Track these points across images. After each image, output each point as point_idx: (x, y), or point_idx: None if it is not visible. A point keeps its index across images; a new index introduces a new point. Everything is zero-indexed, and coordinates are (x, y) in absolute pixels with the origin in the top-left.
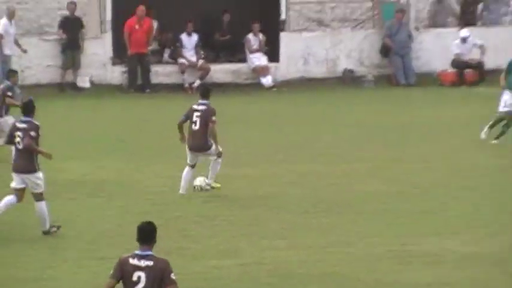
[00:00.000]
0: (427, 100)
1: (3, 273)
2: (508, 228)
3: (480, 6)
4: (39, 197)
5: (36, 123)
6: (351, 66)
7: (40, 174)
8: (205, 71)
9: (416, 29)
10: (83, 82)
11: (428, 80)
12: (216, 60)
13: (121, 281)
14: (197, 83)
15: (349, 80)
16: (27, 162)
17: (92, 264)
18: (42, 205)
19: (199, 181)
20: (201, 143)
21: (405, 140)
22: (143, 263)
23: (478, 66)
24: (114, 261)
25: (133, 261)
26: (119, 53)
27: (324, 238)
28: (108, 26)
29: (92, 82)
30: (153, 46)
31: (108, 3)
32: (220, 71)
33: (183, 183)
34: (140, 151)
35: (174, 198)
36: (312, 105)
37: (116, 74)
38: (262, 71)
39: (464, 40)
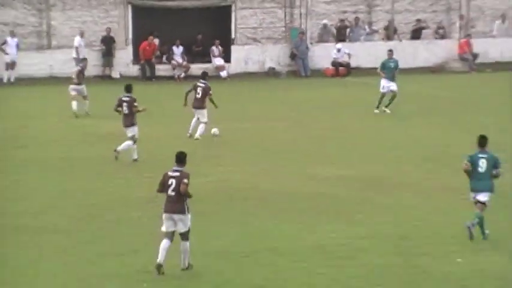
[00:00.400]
0: (317, 85)
1: None
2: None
3: (348, 30)
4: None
5: (134, 97)
6: (273, 65)
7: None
8: (187, 68)
9: (311, 43)
10: (115, 75)
11: (318, 73)
12: (193, 62)
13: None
14: (182, 75)
15: (272, 73)
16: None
17: None
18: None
19: (214, 130)
20: (201, 104)
21: (304, 109)
22: (175, 174)
23: (347, 65)
24: None
25: (170, 173)
26: (136, 58)
27: (265, 164)
28: (129, 42)
29: (120, 75)
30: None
31: (129, 28)
32: (196, 68)
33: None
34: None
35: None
36: (251, 89)
37: (134, 70)
38: (221, 68)
39: (338, 50)
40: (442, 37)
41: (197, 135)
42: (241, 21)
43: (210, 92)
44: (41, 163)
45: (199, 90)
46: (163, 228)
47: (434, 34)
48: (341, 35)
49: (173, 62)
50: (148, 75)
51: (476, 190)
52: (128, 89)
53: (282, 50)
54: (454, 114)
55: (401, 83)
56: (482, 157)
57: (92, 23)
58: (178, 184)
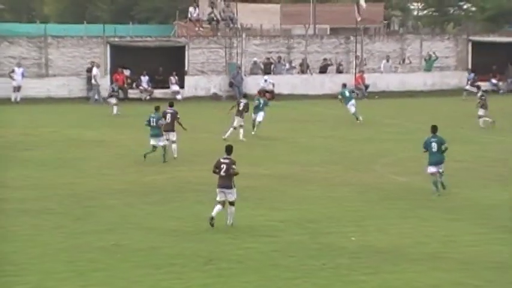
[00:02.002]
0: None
1: None
2: None
3: (272, 65)
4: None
5: (176, 110)
6: (216, 91)
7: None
8: (151, 92)
9: (245, 75)
10: (98, 96)
11: (250, 98)
12: (156, 87)
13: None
14: (147, 97)
15: (215, 97)
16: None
17: None
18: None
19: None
20: (170, 127)
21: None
22: (226, 160)
23: (271, 92)
24: None
25: (222, 160)
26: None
27: (208, 165)
28: (107, 72)
29: (102, 97)
30: (128, 81)
31: (108, 62)
32: (158, 93)
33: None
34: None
35: None
36: (200, 109)
37: None
38: (177, 93)
39: (265, 80)
40: (342, 72)
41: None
42: (192, 57)
43: (178, 116)
44: (41, 161)
45: (168, 116)
46: (218, 198)
47: (336, 69)
48: (267, 69)
49: (140, 87)
50: (121, 97)
51: (432, 164)
52: (171, 104)
53: (222, 80)
54: (350, 127)
55: (312, 106)
56: (433, 140)
57: (79, 58)
58: (228, 167)
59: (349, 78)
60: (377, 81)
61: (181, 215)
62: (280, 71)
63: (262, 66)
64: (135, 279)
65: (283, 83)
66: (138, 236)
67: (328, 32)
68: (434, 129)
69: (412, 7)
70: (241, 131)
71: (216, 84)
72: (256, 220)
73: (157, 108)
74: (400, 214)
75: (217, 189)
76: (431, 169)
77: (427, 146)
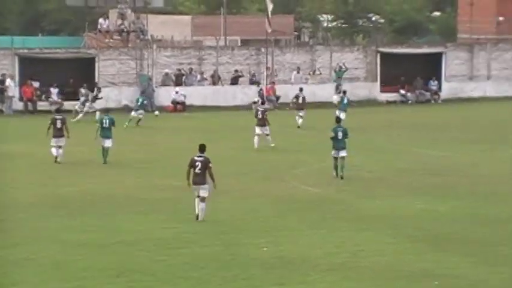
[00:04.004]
0: (161, 118)
1: None
2: None
3: (184, 77)
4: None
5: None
6: (127, 103)
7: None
8: (61, 104)
9: (156, 87)
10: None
11: (161, 109)
12: (66, 99)
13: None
14: (56, 108)
15: (126, 109)
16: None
17: None
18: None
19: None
20: (61, 134)
21: (150, 135)
22: (200, 158)
23: (183, 104)
24: None
25: (196, 158)
26: (21, 97)
27: (121, 176)
28: (16, 84)
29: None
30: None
31: (17, 73)
32: (68, 105)
33: None
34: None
35: None
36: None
37: (20, 105)
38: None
39: (177, 92)
40: (254, 83)
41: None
42: (103, 69)
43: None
44: None
45: (58, 122)
46: (195, 193)
47: (250, 81)
48: (178, 81)
49: (50, 99)
50: (30, 110)
51: (337, 149)
52: (58, 110)
53: (134, 91)
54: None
55: (223, 117)
56: (339, 129)
57: None
58: (203, 165)
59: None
60: (288, 92)
61: (93, 227)
62: (191, 83)
63: (173, 78)
64: None
65: (195, 94)
66: (50, 249)
67: (239, 44)
68: (338, 119)
69: (321, 19)
70: (269, 138)
71: (127, 95)
72: (168, 232)
73: (108, 111)
74: (312, 225)
75: (192, 186)
76: (334, 153)
77: (335, 132)
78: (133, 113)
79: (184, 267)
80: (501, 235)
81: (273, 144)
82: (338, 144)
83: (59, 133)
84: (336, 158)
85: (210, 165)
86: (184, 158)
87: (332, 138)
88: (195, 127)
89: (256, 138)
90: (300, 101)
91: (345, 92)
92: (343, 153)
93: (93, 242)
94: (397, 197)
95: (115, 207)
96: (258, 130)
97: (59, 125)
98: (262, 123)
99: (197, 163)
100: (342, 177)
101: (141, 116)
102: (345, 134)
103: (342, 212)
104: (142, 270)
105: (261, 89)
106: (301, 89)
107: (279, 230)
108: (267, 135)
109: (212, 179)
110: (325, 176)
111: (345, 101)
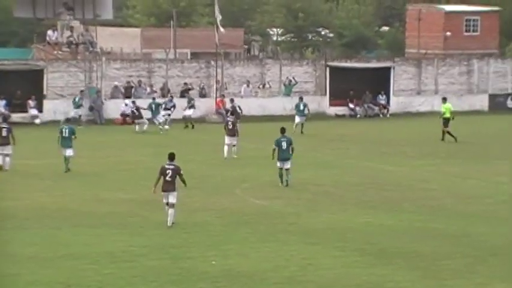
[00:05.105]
0: (110, 131)
1: None
2: None
3: (133, 89)
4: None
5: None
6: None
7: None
8: (9, 116)
9: (105, 99)
10: None
11: (111, 122)
12: (14, 111)
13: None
14: (2, 116)
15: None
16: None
17: None
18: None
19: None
20: (7, 142)
21: (101, 148)
22: (171, 166)
23: (133, 116)
24: None
25: (167, 166)
26: None
27: (72, 189)
28: None
29: None
30: None
31: None
32: (16, 117)
33: None
34: None
35: None
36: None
37: None
38: (35, 117)
39: (126, 105)
40: (204, 96)
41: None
42: (51, 81)
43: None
44: None
45: (4, 131)
46: (164, 200)
47: (199, 93)
48: (128, 93)
49: None
50: None
51: (282, 160)
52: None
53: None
54: (211, 152)
55: (173, 130)
56: (283, 140)
57: None
58: (174, 173)
59: (210, 102)
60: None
61: (39, 241)
62: (141, 95)
63: (122, 90)
64: None
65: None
66: None
67: (189, 57)
68: (283, 130)
69: (271, 33)
70: (234, 149)
71: (76, 112)
72: (117, 246)
73: (67, 120)
74: (260, 238)
75: (162, 193)
76: (280, 164)
77: (278, 144)
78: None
79: (132, 281)
80: (448, 249)
81: (235, 156)
82: (283, 154)
83: (4, 141)
84: (281, 168)
85: (181, 172)
86: (133, 171)
87: (274, 150)
88: (144, 140)
89: (226, 147)
90: (230, 126)
91: (301, 98)
92: (287, 165)
93: (40, 256)
94: (345, 211)
95: (63, 220)
96: (227, 140)
97: (4, 133)
98: (232, 133)
99: (168, 171)
100: (287, 185)
101: (76, 116)
102: (290, 144)
103: (290, 225)
104: (90, 283)
105: (232, 100)
106: (231, 111)
107: (228, 244)
108: (234, 145)
109: (185, 184)
110: (273, 189)
111: (301, 107)
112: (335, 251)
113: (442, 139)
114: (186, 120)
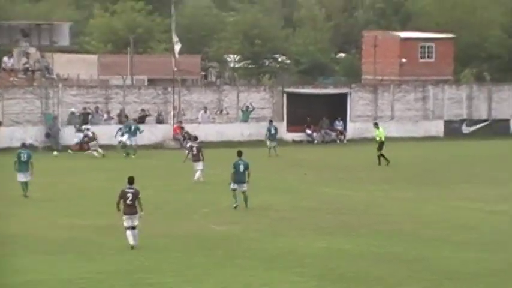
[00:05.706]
0: (67, 157)
1: None
2: None
3: (90, 116)
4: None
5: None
6: (32, 142)
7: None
8: None
9: (62, 125)
10: None
11: (67, 148)
12: None
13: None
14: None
15: (31, 148)
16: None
17: None
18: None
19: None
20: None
21: (55, 174)
22: (131, 190)
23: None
24: None
25: (126, 190)
26: None
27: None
28: None
29: None
30: None
31: None
32: None
33: None
34: None
35: None
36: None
37: None
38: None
39: (82, 131)
40: (161, 122)
41: None
42: (7, 107)
43: None
44: None
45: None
46: (125, 224)
47: (157, 120)
48: (85, 120)
49: None
50: None
51: (238, 182)
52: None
53: (39, 131)
54: (170, 177)
55: (132, 158)
56: (240, 163)
57: None
58: (134, 197)
59: (168, 129)
60: (195, 131)
61: None
62: (98, 122)
63: (79, 117)
64: None
65: (102, 133)
66: None
67: (146, 83)
68: (240, 153)
69: (228, 59)
70: (198, 173)
71: (32, 135)
72: (74, 272)
73: (24, 145)
74: (219, 263)
75: (124, 217)
76: (234, 186)
77: (235, 167)
78: None
79: None
80: (405, 273)
81: (203, 179)
82: (239, 177)
83: None
84: (234, 190)
85: (140, 196)
86: (90, 197)
87: (233, 173)
88: (101, 166)
89: (197, 172)
90: (195, 151)
91: (271, 122)
92: (243, 188)
93: (2, 282)
94: (303, 236)
95: (19, 247)
96: (195, 166)
97: None
98: (197, 158)
99: (128, 195)
100: (246, 206)
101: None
102: (246, 168)
103: (249, 250)
104: None
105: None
106: (194, 137)
107: (187, 269)
108: (200, 170)
109: (141, 208)
110: (232, 214)
111: (273, 130)
112: (294, 276)
113: (379, 163)
114: (123, 147)
